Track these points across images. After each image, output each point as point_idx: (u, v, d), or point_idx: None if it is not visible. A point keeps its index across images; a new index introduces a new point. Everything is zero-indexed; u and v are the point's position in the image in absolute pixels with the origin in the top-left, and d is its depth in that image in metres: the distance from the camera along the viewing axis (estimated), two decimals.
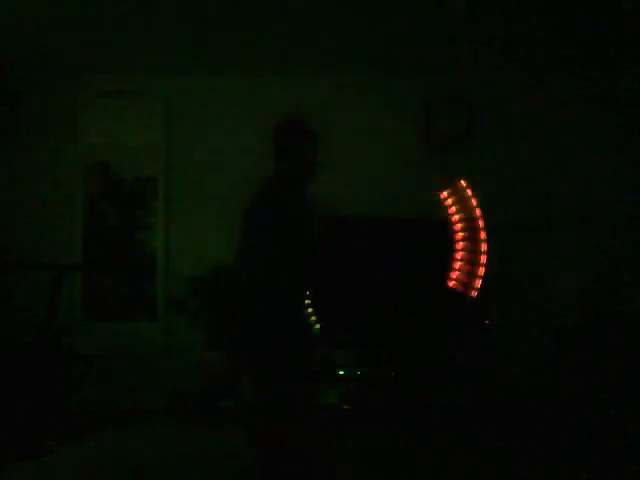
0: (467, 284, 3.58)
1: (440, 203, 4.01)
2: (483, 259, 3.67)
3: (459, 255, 3.65)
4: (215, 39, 3.86)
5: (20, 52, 4.13)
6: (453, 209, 3.87)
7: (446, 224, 4.14)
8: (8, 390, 3.53)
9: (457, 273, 3.66)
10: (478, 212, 3.77)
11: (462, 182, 3.80)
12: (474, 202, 3.78)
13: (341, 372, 3.85)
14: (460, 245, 3.69)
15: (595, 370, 3.88)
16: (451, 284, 3.52)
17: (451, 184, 4.01)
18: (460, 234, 3.74)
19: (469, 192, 3.80)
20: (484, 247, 3.70)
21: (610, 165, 4.37)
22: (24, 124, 4.51)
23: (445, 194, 3.89)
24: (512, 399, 3.90)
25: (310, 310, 3.62)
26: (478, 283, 3.61)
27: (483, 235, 3.72)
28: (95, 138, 4.49)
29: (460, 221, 3.78)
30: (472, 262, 3.62)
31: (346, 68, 4.35)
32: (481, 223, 3.74)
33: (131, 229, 4.50)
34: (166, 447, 3.62)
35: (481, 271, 3.65)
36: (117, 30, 3.76)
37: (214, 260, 4.16)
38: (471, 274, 3.62)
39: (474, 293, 3.60)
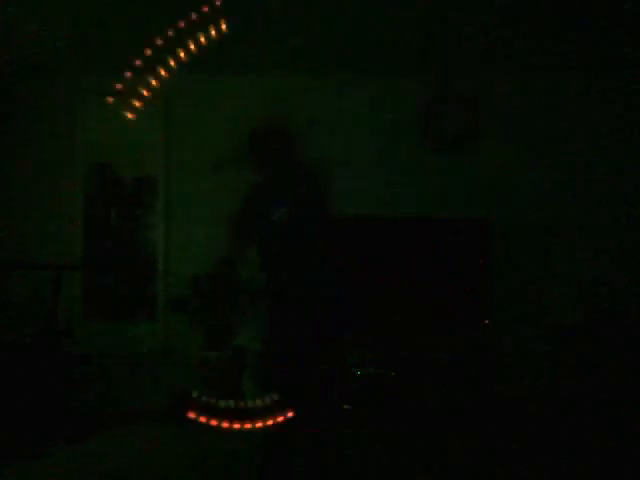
0: None
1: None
2: None
3: None
4: (215, 39, 3.86)
5: (20, 52, 4.13)
6: None
7: (447, 224, 4.16)
8: (8, 390, 3.53)
9: None
10: None
11: None
12: None
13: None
14: None
15: (595, 370, 3.88)
16: None
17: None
18: None
19: None
20: None
21: (611, 164, 4.37)
22: (24, 124, 4.51)
23: None
24: (512, 399, 3.90)
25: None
26: None
27: None
28: (95, 138, 4.49)
29: None
30: None
31: (347, 68, 4.35)
32: None
33: (131, 229, 4.50)
34: (166, 447, 3.62)
35: None
36: (117, 30, 3.76)
37: (214, 260, 4.15)
38: None
39: None
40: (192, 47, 2.90)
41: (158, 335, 4.43)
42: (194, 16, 2.80)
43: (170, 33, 2.94)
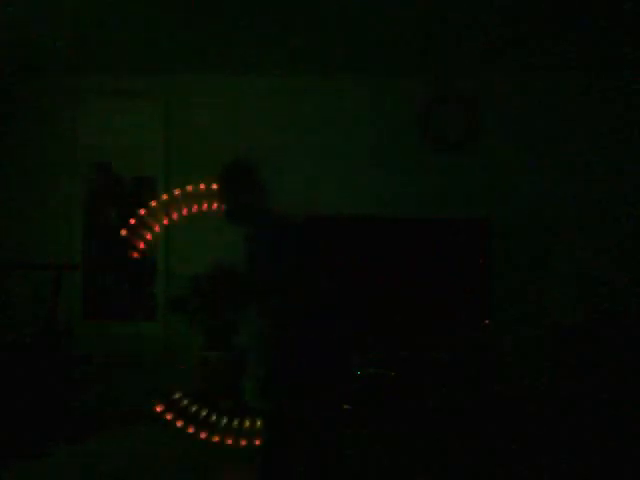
0: None
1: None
2: None
3: None
4: (216, 39, 3.87)
5: (20, 52, 4.13)
6: None
7: (447, 224, 4.15)
8: (8, 390, 3.53)
9: None
10: None
11: None
12: None
13: None
14: None
15: (595, 370, 3.88)
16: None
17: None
18: None
19: None
20: None
21: (611, 164, 4.37)
22: (24, 124, 4.51)
23: None
24: (512, 399, 3.90)
25: None
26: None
27: None
28: (95, 138, 4.49)
29: None
30: None
31: (347, 68, 4.35)
32: None
33: (131, 229, 4.50)
34: (166, 447, 3.62)
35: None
36: (117, 30, 3.76)
37: (214, 260, 4.16)
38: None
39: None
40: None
41: (158, 335, 4.43)
42: None
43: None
